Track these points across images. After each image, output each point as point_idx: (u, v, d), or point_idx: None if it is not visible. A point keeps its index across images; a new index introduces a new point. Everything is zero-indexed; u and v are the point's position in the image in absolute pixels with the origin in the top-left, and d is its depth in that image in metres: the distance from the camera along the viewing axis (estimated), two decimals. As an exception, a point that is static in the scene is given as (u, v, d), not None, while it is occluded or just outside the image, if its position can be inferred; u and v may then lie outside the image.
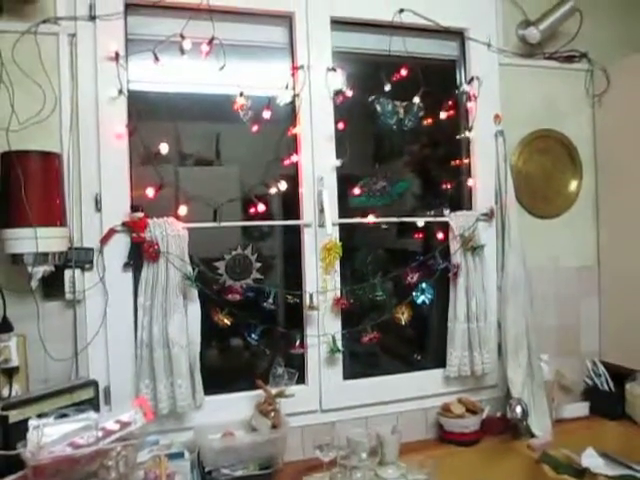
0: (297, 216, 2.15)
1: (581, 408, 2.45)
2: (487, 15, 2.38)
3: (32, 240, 1.64)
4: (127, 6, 1.95)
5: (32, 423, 1.45)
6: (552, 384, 2.35)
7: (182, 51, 1.98)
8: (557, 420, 2.32)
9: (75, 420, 1.52)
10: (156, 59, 1.93)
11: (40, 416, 1.51)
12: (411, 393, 2.26)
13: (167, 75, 2.01)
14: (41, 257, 1.69)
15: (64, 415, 1.55)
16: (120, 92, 1.90)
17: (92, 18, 1.88)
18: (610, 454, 2.06)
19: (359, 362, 2.31)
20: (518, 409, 2.11)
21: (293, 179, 2.14)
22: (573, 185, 2.55)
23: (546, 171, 2.49)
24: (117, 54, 1.89)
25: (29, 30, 1.82)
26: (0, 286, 1.70)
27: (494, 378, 2.35)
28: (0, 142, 1.73)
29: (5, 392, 1.70)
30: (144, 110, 1.99)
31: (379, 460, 1.97)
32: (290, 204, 2.18)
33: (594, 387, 2.47)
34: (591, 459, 2.00)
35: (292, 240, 2.18)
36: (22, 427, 1.47)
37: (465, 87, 2.34)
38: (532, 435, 2.19)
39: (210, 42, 1.99)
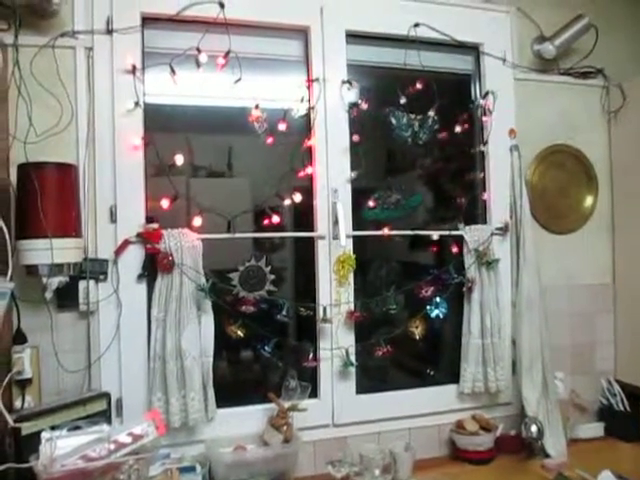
0: (310, 228, 2.15)
1: (596, 428, 2.41)
2: (502, 30, 2.38)
3: (47, 251, 1.63)
4: (144, 20, 1.96)
5: (45, 435, 1.45)
6: (567, 403, 2.32)
7: (198, 64, 1.99)
8: (571, 440, 2.27)
9: (87, 433, 1.52)
10: (173, 72, 1.95)
11: (53, 428, 1.50)
12: (424, 409, 2.23)
13: (183, 88, 2.02)
14: (56, 268, 1.69)
15: (77, 427, 1.54)
16: (136, 104, 1.91)
17: (109, 32, 1.90)
18: (627, 477, 2.01)
19: (371, 376, 2.29)
20: (533, 428, 2.08)
21: (307, 191, 2.14)
22: (588, 201, 2.53)
23: (561, 186, 2.48)
24: (134, 67, 1.90)
25: (47, 44, 1.84)
26: (15, 297, 1.70)
27: (508, 395, 2.32)
28: (18, 154, 1.74)
29: (18, 404, 1.70)
30: (160, 122, 2.00)
31: (392, 477, 1.94)
32: (303, 216, 2.17)
33: (609, 407, 2.43)
34: (608, 482, 1.95)
35: (304, 252, 2.18)
36: (35, 439, 1.46)
37: (480, 101, 2.34)
38: (547, 455, 2.15)
39: (226, 55, 2.00)
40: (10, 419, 1.52)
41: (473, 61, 2.41)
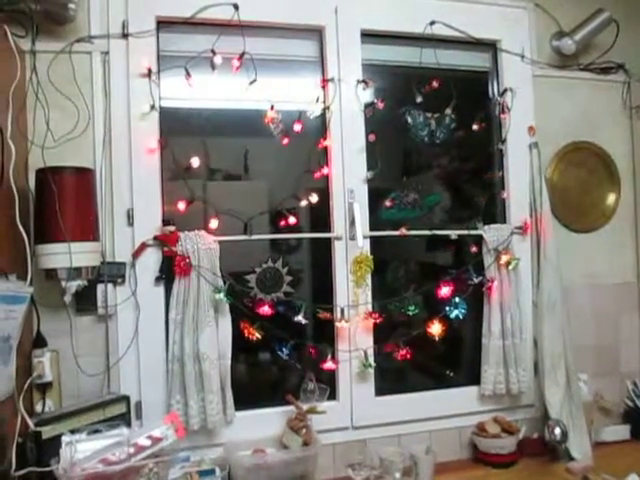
0: (327, 229, 2.14)
1: (621, 431, 2.35)
2: (520, 26, 2.34)
3: (66, 255, 1.64)
4: (159, 23, 1.97)
5: (65, 439, 1.46)
6: (591, 405, 2.27)
7: (213, 66, 2.00)
8: (596, 443, 2.23)
9: (107, 436, 1.52)
10: (188, 75, 1.95)
11: (73, 432, 1.51)
12: (445, 411, 2.21)
13: (198, 91, 2.02)
14: (74, 272, 1.70)
15: (96, 431, 1.55)
16: (152, 108, 1.92)
17: (125, 36, 1.91)
18: (655, 482, 1.97)
19: (390, 378, 2.26)
20: (557, 430, 2.04)
21: (323, 192, 2.13)
22: (611, 198, 2.48)
23: (582, 184, 2.43)
24: (149, 70, 1.91)
25: (64, 50, 1.86)
26: (34, 301, 1.71)
27: (531, 397, 2.28)
28: (36, 159, 1.75)
29: (38, 408, 1.71)
30: (175, 125, 2.01)
31: (413, 481, 1.92)
32: (320, 217, 2.16)
33: (635, 409, 2.38)
34: (635, 486, 1.91)
35: (321, 253, 2.16)
36: (55, 443, 1.47)
37: (498, 99, 2.31)
38: (571, 458, 2.10)
39: (241, 57, 2.00)
40: (31, 423, 1.54)
41: (490, 58, 2.38)
